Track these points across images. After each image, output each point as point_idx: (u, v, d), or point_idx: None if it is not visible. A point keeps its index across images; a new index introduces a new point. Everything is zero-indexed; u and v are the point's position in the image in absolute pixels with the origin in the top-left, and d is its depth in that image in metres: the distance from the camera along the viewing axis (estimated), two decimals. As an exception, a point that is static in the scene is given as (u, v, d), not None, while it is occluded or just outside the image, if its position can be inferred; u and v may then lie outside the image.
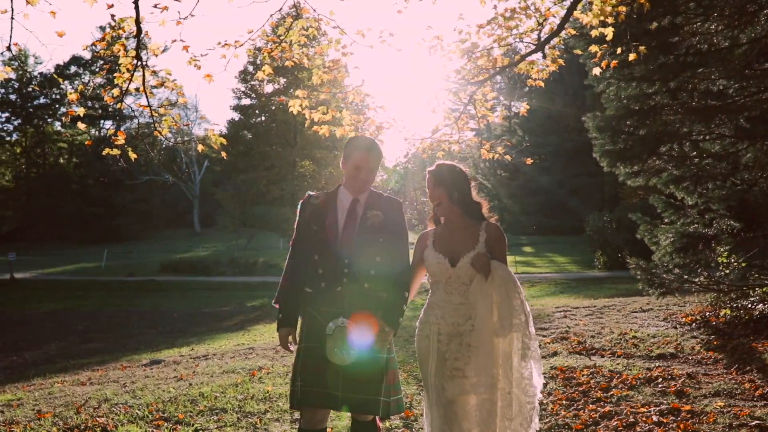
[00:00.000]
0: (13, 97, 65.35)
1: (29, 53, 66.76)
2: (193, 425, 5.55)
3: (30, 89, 63.79)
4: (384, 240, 3.69)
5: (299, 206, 3.84)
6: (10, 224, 66.01)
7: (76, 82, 67.54)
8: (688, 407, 5.09)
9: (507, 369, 3.68)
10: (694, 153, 9.45)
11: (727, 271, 9.01)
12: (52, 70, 64.72)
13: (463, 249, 3.73)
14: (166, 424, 5.62)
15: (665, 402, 5.31)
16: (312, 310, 3.70)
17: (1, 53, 5.71)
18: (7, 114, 66.95)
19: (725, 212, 9.20)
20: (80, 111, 5.61)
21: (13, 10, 5.17)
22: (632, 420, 4.92)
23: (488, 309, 3.62)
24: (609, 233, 27.37)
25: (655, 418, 4.90)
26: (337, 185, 3.87)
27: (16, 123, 67.40)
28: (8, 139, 68.26)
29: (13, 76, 62.18)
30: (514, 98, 62.31)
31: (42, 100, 65.92)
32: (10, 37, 5.39)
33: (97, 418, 5.84)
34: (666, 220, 9.89)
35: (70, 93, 5.58)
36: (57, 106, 67.11)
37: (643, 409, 5.15)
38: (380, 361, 3.64)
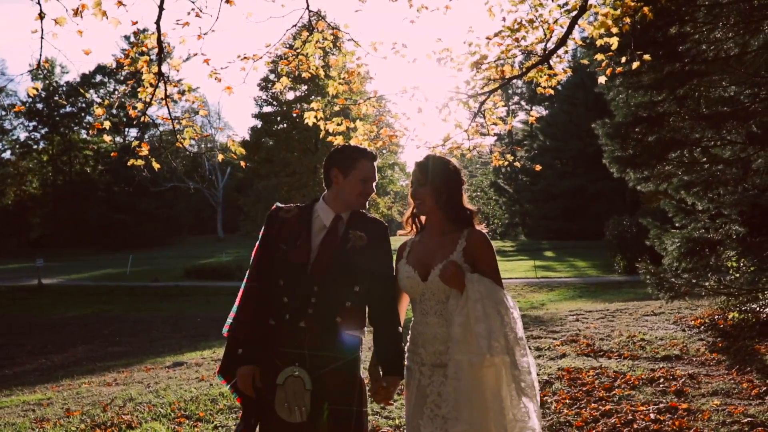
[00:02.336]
0: (40, 106, 66.60)
1: (56, 63, 68.10)
2: (213, 422, 5.84)
3: (56, 98, 65.04)
4: (366, 267, 3.12)
5: (266, 219, 3.27)
6: (37, 231, 67.24)
7: (102, 90, 68.89)
8: (685, 406, 5.29)
9: (497, 411, 3.02)
10: (705, 159, 9.59)
11: (737, 275, 9.14)
12: (78, 80, 66.17)
13: (436, 260, 3.15)
14: (187, 421, 5.92)
15: (664, 401, 5.51)
16: (269, 351, 3.09)
17: (31, 70, 6.06)
18: (34, 123, 68.38)
19: (737, 217, 9.33)
20: (106, 124, 5.93)
21: (43, 30, 5.51)
22: (630, 418, 5.13)
23: (465, 331, 3.01)
24: (629, 237, 27.40)
25: (652, 416, 5.10)
26: (312, 200, 3.30)
27: (43, 131, 68.78)
28: (35, 147, 69.66)
29: (40, 85, 63.49)
30: (535, 103, 62.42)
31: (68, 109, 67.19)
32: (40, 55, 5.73)
33: (123, 416, 6.16)
34: (677, 225, 10.04)
35: (97, 107, 5.89)
36: (83, 114, 68.43)
37: (642, 408, 5.36)
38: (349, 416, 3.06)
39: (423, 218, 3.35)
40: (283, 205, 3.29)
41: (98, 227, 62.01)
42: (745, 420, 4.80)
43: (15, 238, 65.75)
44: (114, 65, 64.15)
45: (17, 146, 70.07)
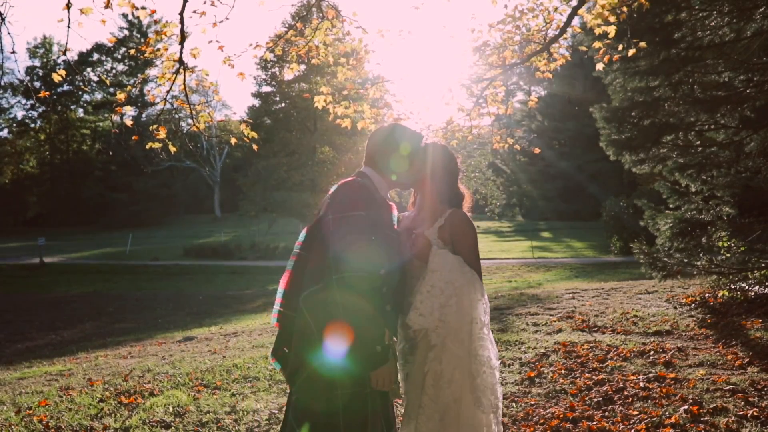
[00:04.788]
0: (37, 84, 66.45)
1: (54, 41, 67.97)
2: (230, 390, 6.20)
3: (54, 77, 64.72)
4: None
5: (367, 195, 2.90)
6: (34, 210, 67.49)
7: (99, 69, 68.81)
8: (672, 375, 5.66)
9: (426, 387, 3.03)
10: (699, 142, 9.91)
11: (728, 255, 9.49)
12: (76, 58, 66.00)
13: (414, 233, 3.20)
14: (205, 389, 6.28)
15: (653, 371, 5.88)
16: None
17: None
18: (31, 101, 68.26)
19: (729, 198, 9.67)
20: (127, 108, 6.21)
21: (69, 20, 5.78)
22: (621, 386, 5.50)
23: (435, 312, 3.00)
24: (625, 218, 27.80)
25: (642, 384, 5.47)
26: (362, 177, 3.05)
27: (40, 110, 68.74)
28: (33, 125, 69.66)
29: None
30: (534, 83, 62.46)
31: (65, 88, 67.02)
32: (66, 44, 6.01)
33: (144, 385, 6.52)
34: (671, 206, 10.37)
35: (119, 92, 6.18)
36: (80, 93, 68.37)
37: (632, 377, 5.73)
38: None
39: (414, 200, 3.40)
40: (363, 180, 3.00)
41: (95, 206, 62.31)
42: (728, 388, 5.18)
43: (12, 217, 66.07)
44: (119, 49, 64.37)
45: (14, 125, 70.08)
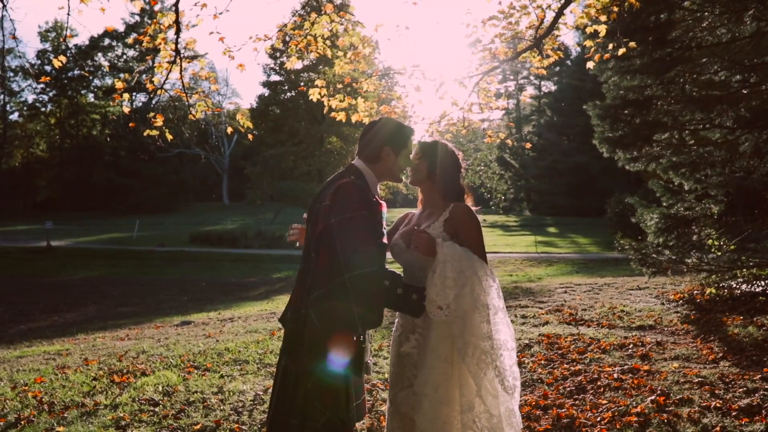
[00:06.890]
0: (48, 68, 66.78)
1: (65, 25, 68.19)
2: (219, 372, 6.40)
3: (65, 62, 65.15)
4: None
5: (365, 196, 2.95)
6: (43, 194, 67.98)
7: (110, 54, 69.10)
8: (646, 367, 5.83)
9: (450, 373, 3.10)
10: (692, 141, 10.01)
11: (719, 253, 9.61)
12: (87, 42, 66.31)
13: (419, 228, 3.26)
14: (196, 371, 6.49)
15: (629, 364, 6.05)
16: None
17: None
18: (42, 85, 68.62)
19: (723, 198, 9.77)
20: (126, 96, 6.39)
21: (69, 7, 5.97)
22: (596, 377, 5.67)
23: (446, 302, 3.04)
24: (629, 215, 27.80)
25: (615, 376, 5.64)
26: (356, 171, 3.11)
27: (51, 94, 69.09)
28: (43, 110, 70.06)
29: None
30: (544, 78, 62.31)
31: (76, 72, 67.29)
32: (66, 29, 6.21)
33: (137, 365, 6.74)
34: (664, 204, 10.49)
35: (117, 81, 6.36)
36: (91, 78, 68.71)
37: (608, 369, 5.90)
38: None
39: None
40: (358, 181, 3.02)
41: (104, 191, 62.68)
42: (696, 380, 5.34)
43: (22, 201, 66.58)
44: (129, 35, 64.64)
45: (25, 108, 70.52)
